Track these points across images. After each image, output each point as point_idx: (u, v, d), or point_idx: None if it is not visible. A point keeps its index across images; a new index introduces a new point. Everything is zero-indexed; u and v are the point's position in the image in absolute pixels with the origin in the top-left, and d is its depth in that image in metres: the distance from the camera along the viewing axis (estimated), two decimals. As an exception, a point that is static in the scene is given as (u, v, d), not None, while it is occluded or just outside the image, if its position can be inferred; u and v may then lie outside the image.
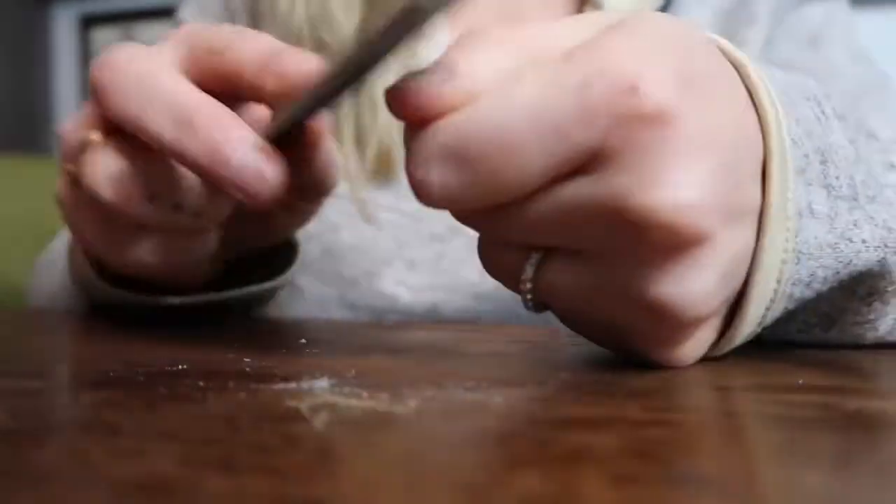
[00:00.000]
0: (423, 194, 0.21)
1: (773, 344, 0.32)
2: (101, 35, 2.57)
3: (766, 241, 0.22)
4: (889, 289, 0.26)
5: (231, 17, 0.54)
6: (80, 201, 0.29)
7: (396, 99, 0.20)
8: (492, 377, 0.22)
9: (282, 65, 0.25)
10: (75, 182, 0.28)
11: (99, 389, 0.20)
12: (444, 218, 0.47)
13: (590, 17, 0.22)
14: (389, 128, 0.47)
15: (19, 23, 2.38)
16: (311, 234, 0.48)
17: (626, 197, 0.20)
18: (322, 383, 0.21)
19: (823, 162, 0.23)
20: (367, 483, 0.13)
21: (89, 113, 0.27)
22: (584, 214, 0.20)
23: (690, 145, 0.20)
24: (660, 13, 0.22)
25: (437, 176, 0.20)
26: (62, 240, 0.50)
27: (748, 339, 0.25)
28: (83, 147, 0.26)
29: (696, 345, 0.23)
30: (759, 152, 0.22)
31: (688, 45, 0.21)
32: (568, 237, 0.21)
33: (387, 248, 0.48)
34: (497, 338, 0.31)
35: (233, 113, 0.24)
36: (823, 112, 0.25)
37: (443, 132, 0.20)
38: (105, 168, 0.26)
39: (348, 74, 0.20)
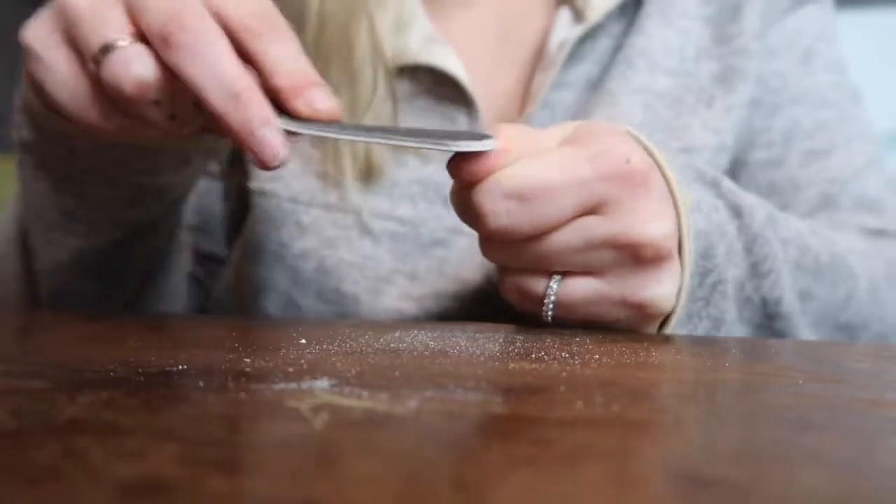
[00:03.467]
0: (490, 221, 0.31)
1: (773, 345, 0.32)
2: (101, 35, 2.56)
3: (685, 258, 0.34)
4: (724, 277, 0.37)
5: None
6: (84, 82, 0.32)
7: (460, 168, 0.31)
8: (492, 377, 0.22)
9: (316, 100, 0.30)
10: (93, 68, 0.30)
11: (99, 389, 0.20)
12: (444, 221, 0.47)
13: (560, 127, 0.34)
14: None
15: (19, 22, 2.38)
16: (306, 250, 0.47)
17: (630, 229, 0.31)
18: (322, 383, 0.21)
19: (697, 209, 0.36)
20: (366, 483, 0.13)
21: (115, 18, 0.30)
22: (600, 242, 0.32)
23: (659, 194, 0.32)
24: (600, 123, 0.35)
25: (502, 206, 0.31)
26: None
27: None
28: (108, 47, 0.30)
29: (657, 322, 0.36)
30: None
31: (628, 136, 0.34)
32: (583, 260, 0.32)
33: (387, 263, 0.47)
34: (497, 338, 0.31)
35: (265, 99, 0.30)
36: (684, 173, 0.37)
37: (505, 179, 0.31)
38: (135, 70, 0.29)
39: (371, 140, 0.32)
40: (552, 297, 0.33)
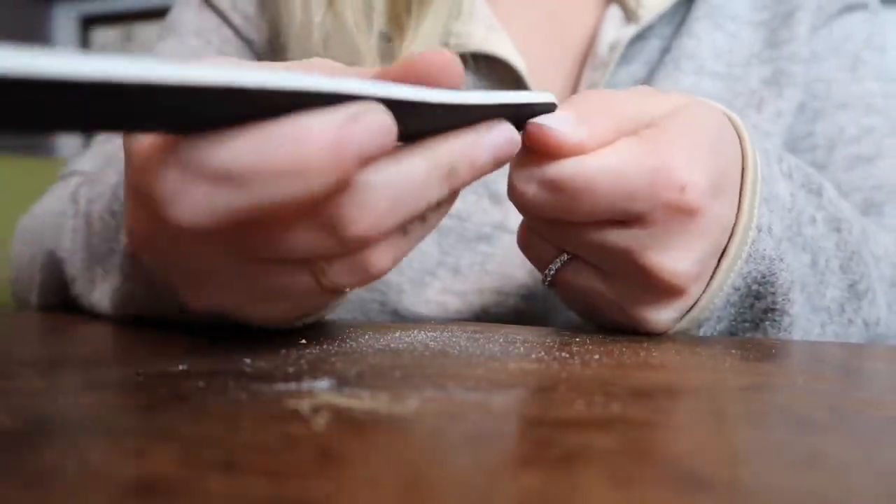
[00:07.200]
0: (517, 200, 0.30)
1: (774, 345, 0.32)
2: (101, 35, 2.57)
3: (715, 284, 0.32)
4: (780, 306, 0.35)
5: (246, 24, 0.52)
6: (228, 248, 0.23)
7: (538, 134, 0.28)
8: (492, 377, 0.22)
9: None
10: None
11: (99, 390, 0.20)
12: (490, 216, 0.47)
13: (663, 98, 0.31)
14: None
15: (19, 23, 2.38)
16: None
17: (644, 251, 0.30)
18: (322, 383, 0.21)
19: (771, 210, 0.33)
20: (367, 483, 0.13)
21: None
22: (613, 250, 0.30)
23: (699, 234, 0.30)
24: (705, 103, 0.32)
25: (533, 192, 0.29)
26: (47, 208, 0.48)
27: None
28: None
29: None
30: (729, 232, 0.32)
31: (721, 142, 0.31)
32: (595, 257, 0.31)
33: (431, 255, 0.47)
34: (498, 338, 0.31)
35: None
36: (791, 177, 0.36)
37: (553, 169, 0.28)
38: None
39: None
40: (552, 271, 0.33)
